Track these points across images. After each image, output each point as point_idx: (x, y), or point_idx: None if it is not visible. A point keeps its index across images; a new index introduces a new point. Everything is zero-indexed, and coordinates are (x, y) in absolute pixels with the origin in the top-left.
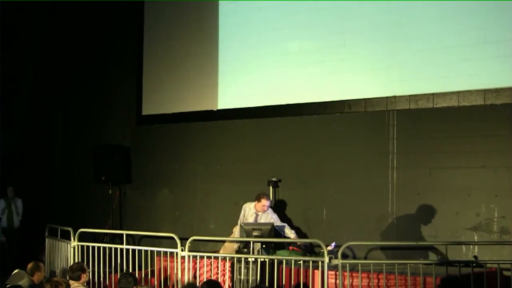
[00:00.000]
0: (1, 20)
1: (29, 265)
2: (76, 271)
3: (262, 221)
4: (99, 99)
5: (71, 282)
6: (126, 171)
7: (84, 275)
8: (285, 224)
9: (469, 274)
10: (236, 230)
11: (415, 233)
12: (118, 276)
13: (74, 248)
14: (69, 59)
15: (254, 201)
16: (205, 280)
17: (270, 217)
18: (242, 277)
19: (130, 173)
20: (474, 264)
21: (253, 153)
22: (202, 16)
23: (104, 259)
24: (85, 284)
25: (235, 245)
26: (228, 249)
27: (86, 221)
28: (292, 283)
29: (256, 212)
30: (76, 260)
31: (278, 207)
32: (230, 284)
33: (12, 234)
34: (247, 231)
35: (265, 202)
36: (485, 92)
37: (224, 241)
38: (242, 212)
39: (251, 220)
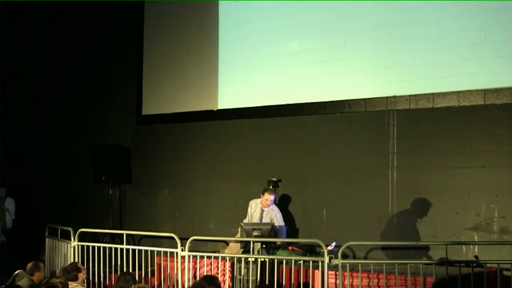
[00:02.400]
0: (1, 20)
1: (29, 265)
2: (72, 272)
3: (267, 216)
4: (99, 99)
5: (69, 282)
6: (126, 171)
7: (81, 274)
8: (283, 227)
9: (469, 274)
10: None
11: (415, 233)
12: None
13: (74, 248)
14: (69, 59)
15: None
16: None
17: (275, 215)
18: (242, 277)
19: (130, 173)
20: (474, 264)
21: (253, 153)
22: (202, 16)
23: (104, 259)
24: (83, 282)
25: (240, 245)
26: (233, 249)
27: (86, 221)
28: (292, 283)
29: (262, 207)
30: (76, 260)
31: (278, 207)
32: (230, 284)
33: (6, 234)
34: (247, 231)
35: (268, 196)
36: (485, 92)
37: (223, 241)
38: (248, 209)
39: (256, 215)
